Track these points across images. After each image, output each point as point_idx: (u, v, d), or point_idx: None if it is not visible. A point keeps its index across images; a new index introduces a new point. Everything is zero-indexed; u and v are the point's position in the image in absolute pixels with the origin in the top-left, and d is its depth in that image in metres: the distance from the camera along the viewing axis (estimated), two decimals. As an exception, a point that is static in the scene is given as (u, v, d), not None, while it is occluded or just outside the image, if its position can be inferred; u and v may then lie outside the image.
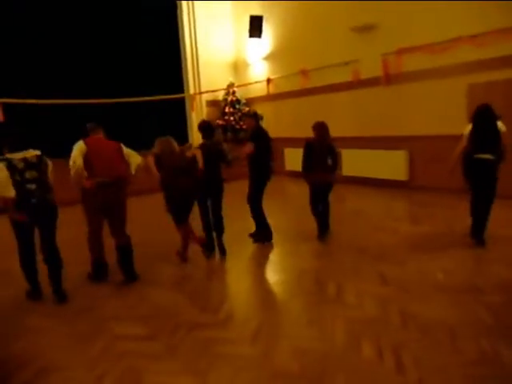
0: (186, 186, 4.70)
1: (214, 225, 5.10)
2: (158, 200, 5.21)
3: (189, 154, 4.91)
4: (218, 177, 5.05)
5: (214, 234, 5.15)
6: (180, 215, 4.82)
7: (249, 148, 5.13)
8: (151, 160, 4.70)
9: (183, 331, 3.27)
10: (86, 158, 4.22)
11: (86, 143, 4.29)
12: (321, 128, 5.43)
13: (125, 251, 4.40)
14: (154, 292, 4.10)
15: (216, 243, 5.14)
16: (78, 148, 4.24)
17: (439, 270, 4.18)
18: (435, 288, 3.79)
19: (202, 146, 4.99)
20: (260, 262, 5.04)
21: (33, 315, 3.74)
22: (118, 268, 4.44)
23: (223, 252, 5.11)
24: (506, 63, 6.85)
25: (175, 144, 4.84)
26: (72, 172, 4.19)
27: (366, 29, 8.80)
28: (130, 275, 4.43)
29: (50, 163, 4.02)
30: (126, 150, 4.59)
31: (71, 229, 5.32)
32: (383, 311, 3.39)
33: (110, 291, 4.20)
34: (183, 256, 4.96)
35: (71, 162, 4.20)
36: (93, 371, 2.80)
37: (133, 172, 4.55)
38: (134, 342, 3.16)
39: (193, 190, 4.81)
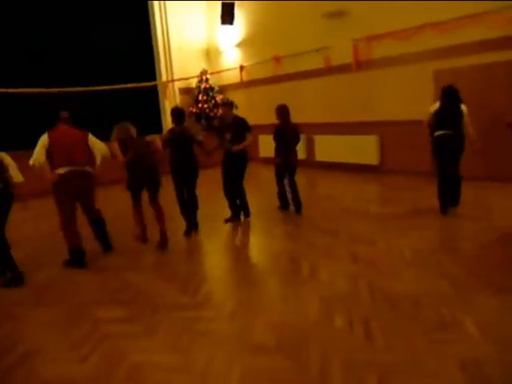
0: (146, 166, 4.91)
1: (189, 202, 5.44)
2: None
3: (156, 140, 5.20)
4: (191, 160, 5.29)
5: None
6: (138, 194, 5.06)
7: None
8: (116, 145, 4.86)
9: (163, 312, 3.39)
10: (49, 150, 4.42)
11: (49, 136, 4.48)
12: (284, 112, 5.97)
13: (98, 223, 4.85)
14: (134, 277, 4.19)
15: (189, 220, 5.49)
16: (41, 142, 4.47)
17: (406, 248, 4.42)
18: (402, 264, 4.03)
19: (169, 131, 5.36)
20: (236, 244, 5.19)
21: (14, 304, 3.77)
22: (97, 255, 4.50)
23: (196, 227, 5.55)
24: (470, 50, 7.12)
25: (133, 129, 5.06)
26: (35, 167, 4.41)
27: (336, 15, 8.93)
28: (107, 245, 4.92)
29: (10, 164, 4.19)
30: (92, 140, 4.75)
31: (50, 219, 5.33)
32: (354, 287, 3.60)
33: (90, 278, 4.27)
34: (143, 237, 5.18)
35: (33, 158, 4.39)
36: (77, 352, 2.89)
37: (98, 162, 4.73)
38: (115, 324, 3.26)
39: (153, 170, 5.01)
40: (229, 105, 5.81)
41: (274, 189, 6.32)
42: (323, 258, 4.36)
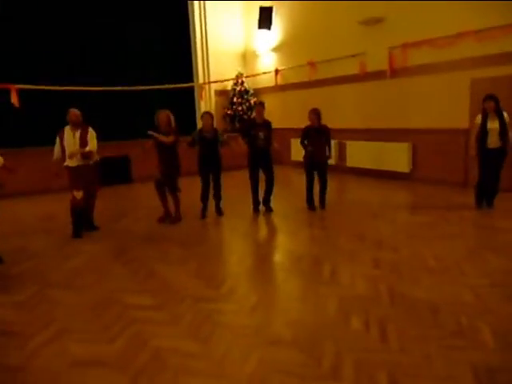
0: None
1: (214, 192, 6.36)
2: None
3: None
4: (216, 155, 6.27)
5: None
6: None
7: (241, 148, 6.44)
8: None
9: (188, 303, 3.55)
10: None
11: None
12: (315, 114, 6.56)
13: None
14: (161, 269, 4.38)
15: (215, 208, 6.43)
16: (57, 140, 5.59)
17: (431, 256, 4.42)
18: (425, 271, 4.04)
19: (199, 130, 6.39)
20: (261, 244, 5.32)
21: (49, 286, 4.04)
22: (127, 247, 4.74)
23: (220, 213, 6.42)
24: (509, 59, 6.98)
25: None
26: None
27: (372, 22, 8.94)
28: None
29: None
30: (90, 135, 5.62)
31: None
32: (373, 290, 3.65)
33: (120, 267, 4.50)
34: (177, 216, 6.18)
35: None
36: (105, 334, 3.09)
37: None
38: (142, 310, 3.45)
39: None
40: (263, 105, 6.60)
41: (304, 192, 6.46)
42: (346, 261, 4.42)
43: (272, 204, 6.63)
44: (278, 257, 4.86)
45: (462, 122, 7.66)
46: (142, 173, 9.65)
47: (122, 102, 10.52)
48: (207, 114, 6.29)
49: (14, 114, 9.01)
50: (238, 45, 12.65)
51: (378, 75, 9.11)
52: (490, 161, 5.87)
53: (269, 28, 11.35)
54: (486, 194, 6.08)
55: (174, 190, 6.07)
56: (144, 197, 8.08)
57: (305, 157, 6.61)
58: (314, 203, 6.61)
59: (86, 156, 5.55)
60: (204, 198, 6.34)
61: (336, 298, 3.52)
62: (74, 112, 5.53)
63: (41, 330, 3.20)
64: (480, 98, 7.44)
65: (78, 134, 5.50)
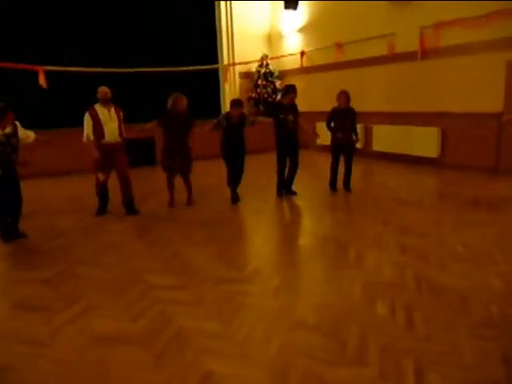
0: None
1: (237, 176, 6.17)
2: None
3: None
4: (242, 139, 6.12)
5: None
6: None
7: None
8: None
9: (211, 284, 3.55)
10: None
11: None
12: (343, 95, 6.51)
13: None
14: (185, 250, 4.40)
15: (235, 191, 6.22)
16: (86, 118, 5.51)
17: (460, 243, 4.29)
18: (453, 258, 3.92)
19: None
20: (286, 226, 5.29)
21: (77, 263, 4.11)
22: (151, 227, 4.78)
23: (237, 200, 6.18)
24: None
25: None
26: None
27: (402, 0, 8.61)
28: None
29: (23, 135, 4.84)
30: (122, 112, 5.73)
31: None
32: (400, 276, 3.57)
33: (144, 247, 4.54)
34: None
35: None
36: (130, 312, 3.12)
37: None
38: (165, 290, 3.47)
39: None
40: (295, 89, 6.29)
41: (328, 175, 6.38)
42: (371, 246, 4.33)
43: (295, 187, 6.54)
44: (302, 240, 4.82)
45: (496, 106, 7.35)
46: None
47: (145, 83, 10.51)
48: (238, 103, 6.03)
49: (40, 95, 9.15)
50: (263, 26, 12.44)
51: (407, 56, 8.81)
52: None
53: (295, 8, 11.11)
54: None
55: (188, 174, 6.07)
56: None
57: (332, 139, 6.55)
58: (336, 185, 6.59)
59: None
60: (232, 183, 6.17)
61: (361, 283, 3.46)
62: (104, 89, 5.49)
63: (67, 306, 3.26)
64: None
65: (112, 111, 5.52)
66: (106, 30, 10.38)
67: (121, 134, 5.60)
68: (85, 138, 5.47)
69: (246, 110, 12.47)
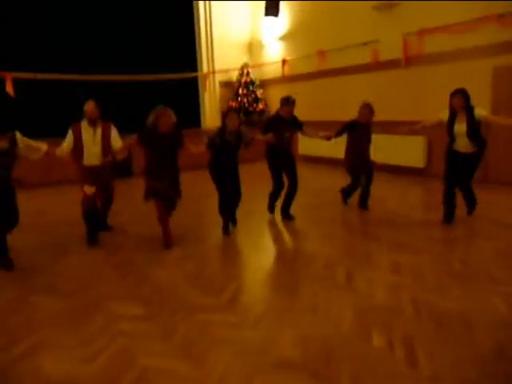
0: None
1: (233, 198, 5.12)
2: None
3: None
4: (236, 159, 5.11)
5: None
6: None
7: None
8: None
9: (183, 313, 3.12)
10: None
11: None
12: (364, 108, 5.78)
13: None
14: (156, 272, 3.95)
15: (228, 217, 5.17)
16: (69, 134, 4.80)
17: (455, 259, 3.96)
18: (450, 277, 3.58)
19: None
20: (268, 243, 4.87)
21: (32, 290, 3.62)
22: (119, 247, 4.32)
23: (234, 223, 5.29)
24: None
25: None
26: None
27: (386, 7, 8.43)
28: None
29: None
30: (113, 133, 4.95)
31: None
32: (395, 300, 3.19)
33: (110, 270, 4.07)
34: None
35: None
36: (85, 350, 2.67)
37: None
38: (130, 322, 3.02)
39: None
40: (293, 103, 5.38)
41: (314, 188, 6.00)
42: (361, 264, 3.96)
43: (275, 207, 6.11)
44: (286, 258, 4.40)
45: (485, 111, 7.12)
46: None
47: (121, 92, 10.08)
48: (233, 112, 5.04)
49: (14, 104, 8.63)
50: (243, 33, 12.14)
51: (391, 64, 8.60)
52: (457, 166, 4.91)
53: (276, 15, 10.85)
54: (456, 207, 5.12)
55: (174, 208, 4.77)
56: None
57: (350, 155, 5.80)
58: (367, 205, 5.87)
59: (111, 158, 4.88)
60: (225, 211, 5.07)
61: (352, 309, 3.07)
62: (90, 106, 4.71)
63: (13, 343, 2.78)
64: (503, 87, 6.99)
65: (98, 132, 4.73)
66: (80, 37, 9.95)
67: (105, 155, 4.81)
68: (58, 152, 4.71)
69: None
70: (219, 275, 3.89)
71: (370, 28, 8.88)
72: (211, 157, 4.87)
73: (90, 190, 4.68)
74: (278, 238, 5.08)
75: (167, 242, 4.61)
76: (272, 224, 5.52)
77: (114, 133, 4.90)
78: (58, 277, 3.92)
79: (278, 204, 5.71)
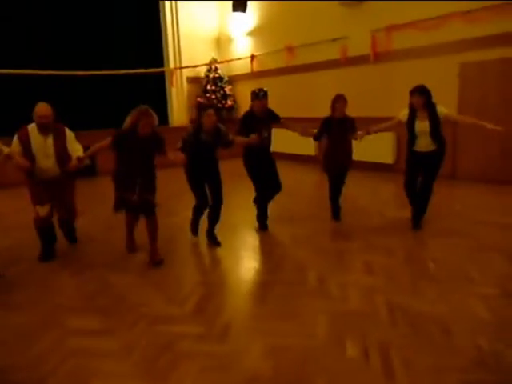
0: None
1: (212, 212, 4.50)
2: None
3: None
4: (215, 161, 4.51)
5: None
6: None
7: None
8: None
9: (144, 325, 2.88)
10: None
11: None
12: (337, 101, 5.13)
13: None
14: (117, 280, 3.68)
15: (207, 233, 4.57)
16: (15, 142, 4.08)
17: (429, 259, 3.88)
18: (425, 278, 3.48)
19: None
20: (236, 247, 4.64)
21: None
22: (76, 252, 4.03)
23: (215, 241, 4.52)
24: (500, 41, 6.51)
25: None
26: None
27: (354, 3, 8.35)
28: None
29: None
30: (68, 138, 4.29)
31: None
32: (369, 304, 3.06)
33: (67, 279, 3.77)
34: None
35: None
36: (33, 372, 2.40)
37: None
38: (86, 337, 2.76)
39: None
40: (265, 96, 4.71)
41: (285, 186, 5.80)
42: (333, 266, 3.82)
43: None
44: (255, 262, 4.21)
45: (451, 110, 7.13)
46: (109, 166, 8.82)
47: (83, 88, 9.63)
48: (210, 108, 4.26)
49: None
50: (211, 28, 11.85)
51: (360, 60, 8.54)
52: (418, 168, 4.65)
53: (244, 10, 10.62)
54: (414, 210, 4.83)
55: (153, 210, 4.04)
56: (108, 193, 7.30)
57: (326, 157, 5.16)
58: (339, 215, 5.30)
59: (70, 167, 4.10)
60: (198, 214, 4.59)
61: (325, 316, 2.92)
62: (41, 109, 3.90)
63: (-49, 367, 2.48)
64: (470, 84, 7.03)
65: (50, 139, 3.99)
66: (43, 31, 9.44)
67: (61, 166, 4.07)
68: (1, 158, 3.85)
69: (194, 115, 11.90)
70: (184, 281, 3.66)
71: (339, 24, 8.79)
72: (187, 160, 4.08)
73: (42, 210, 4.03)
74: (246, 240, 4.87)
75: (130, 247, 4.34)
76: (241, 224, 5.31)
77: (70, 137, 4.16)
78: (7, 286, 3.59)
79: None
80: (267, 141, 4.84)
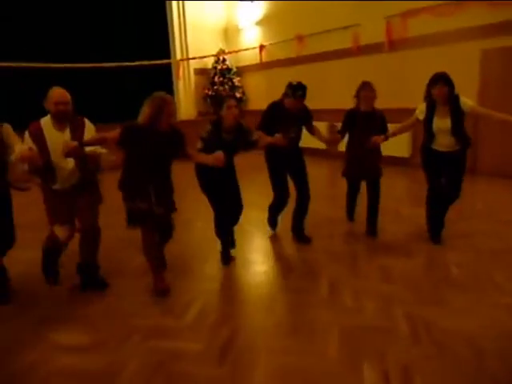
0: None
1: (232, 219, 3.91)
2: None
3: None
4: (233, 163, 3.84)
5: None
6: None
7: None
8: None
9: (138, 339, 2.60)
10: None
11: None
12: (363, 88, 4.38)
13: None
14: (113, 285, 3.40)
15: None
16: (26, 139, 3.25)
17: (452, 263, 3.53)
18: (450, 286, 3.14)
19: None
20: (245, 250, 4.23)
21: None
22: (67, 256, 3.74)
23: (233, 244, 4.04)
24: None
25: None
26: None
27: (368, -11, 7.93)
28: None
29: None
30: (87, 130, 3.33)
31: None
32: (387, 317, 2.73)
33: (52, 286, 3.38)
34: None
35: None
36: (9, 399, 2.14)
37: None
38: (70, 355, 2.48)
39: None
40: (303, 96, 4.01)
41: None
42: (346, 271, 3.50)
43: (257, 200, 5.58)
44: (261, 266, 3.85)
45: (471, 100, 6.74)
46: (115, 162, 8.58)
47: (85, 81, 9.35)
48: (231, 100, 3.57)
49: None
50: (218, 19, 11.47)
51: (374, 49, 8.12)
52: (439, 168, 3.91)
53: (251, -1, 10.25)
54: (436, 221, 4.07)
55: (172, 232, 3.49)
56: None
57: (346, 160, 4.42)
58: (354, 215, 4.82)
59: (86, 168, 3.27)
60: (222, 232, 3.86)
61: (338, 331, 2.60)
62: (60, 93, 3.18)
63: None
64: (492, 71, 6.60)
65: (67, 134, 3.17)
66: (47, 23, 9.15)
67: (84, 171, 3.26)
68: (14, 157, 2.91)
69: (202, 108, 11.60)
70: (183, 290, 3.33)
71: (351, 11, 8.36)
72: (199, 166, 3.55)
73: (61, 232, 3.20)
74: (257, 243, 4.54)
75: (158, 286, 3.24)
76: (242, 225, 4.98)
77: (90, 130, 3.29)
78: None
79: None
80: (294, 142, 4.08)
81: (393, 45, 7.80)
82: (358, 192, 4.64)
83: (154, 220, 3.15)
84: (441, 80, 3.72)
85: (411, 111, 6.63)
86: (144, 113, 3.05)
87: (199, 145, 3.51)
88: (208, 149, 3.38)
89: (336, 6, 8.62)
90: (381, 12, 7.81)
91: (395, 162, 7.95)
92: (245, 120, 3.99)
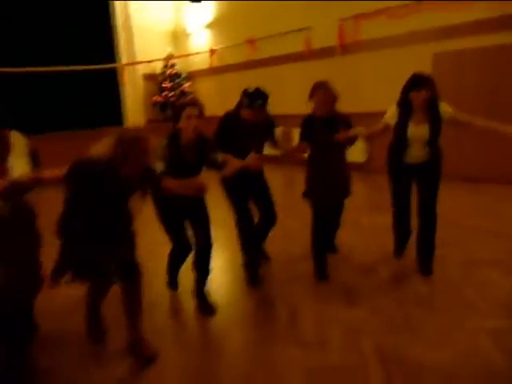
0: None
1: (197, 260, 3.08)
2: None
3: None
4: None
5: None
6: None
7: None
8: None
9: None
10: None
11: None
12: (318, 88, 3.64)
13: None
14: (87, 373, 2.88)
15: (195, 288, 3.16)
16: None
17: (419, 280, 3.28)
18: (419, 307, 2.87)
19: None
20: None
21: None
22: None
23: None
24: (477, 29, 6.04)
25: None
26: None
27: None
28: None
29: None
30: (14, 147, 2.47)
31: None
32: (354, 352, 2.41)
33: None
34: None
35: None
36: None
37: None
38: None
39: None
40: (263, 106, 3.37)
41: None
42: (306, 295, 3.16)
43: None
44: (212, 291, 3.47)
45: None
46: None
47: (21, 87, 8.62)
48: (192, 108, 2.79)
49: None
50: (166, 21, 10.99)
51: (326, 52, 7.94)
52: (410, 184, 3.49)
53: (199, 0, 9.85)
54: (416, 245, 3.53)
55: (134, 271, 2.43)
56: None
57: (308, 178, 3.71)
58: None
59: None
60: (175, 267, 3.32)
61: (300, 373, 2.25)
62: None
63: None
64: (445, 74, 6.54)
65: None
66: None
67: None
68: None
69: (151, 115, 11.00)
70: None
71: (302, 14, 8.17)
72: (154, 189, 2.66)
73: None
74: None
75: (95, 334, 2.70)
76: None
77: (18, 147, 2.44)
78: None
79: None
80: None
81: (345, 48, 7.65)
82: (328, 222, 3.77)
83: (95, 275, 2.43)
84: (425, 84, 3.18)
85: (361, 115, 6.37)
86: (100, 151, 2.29)
87: (160, 167, 2.62)
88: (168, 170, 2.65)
89: (288, 7, 8.39)
90: (333, 15, 7.65)
91: (349, 167, 7.77)
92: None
